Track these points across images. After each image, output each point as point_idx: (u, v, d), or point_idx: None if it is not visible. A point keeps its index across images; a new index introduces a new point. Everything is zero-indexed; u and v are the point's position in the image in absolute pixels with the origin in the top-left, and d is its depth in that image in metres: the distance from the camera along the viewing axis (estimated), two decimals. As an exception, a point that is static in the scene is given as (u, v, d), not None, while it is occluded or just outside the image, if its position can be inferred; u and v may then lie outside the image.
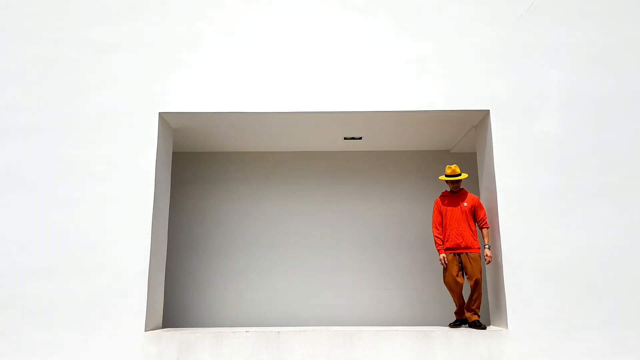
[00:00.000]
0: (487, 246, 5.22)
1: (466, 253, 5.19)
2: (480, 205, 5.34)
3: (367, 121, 5.74)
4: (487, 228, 5.30)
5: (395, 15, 5.55)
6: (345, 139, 6.72)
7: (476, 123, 5.77)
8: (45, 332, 4.87)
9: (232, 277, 6.97)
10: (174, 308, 6.89)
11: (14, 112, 5.29)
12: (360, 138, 6.69)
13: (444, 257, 5.23)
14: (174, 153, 7.19)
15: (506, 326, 4.93)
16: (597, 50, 5.39)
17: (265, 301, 6.89)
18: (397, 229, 7.14)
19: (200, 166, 7.32)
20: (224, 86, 5.40)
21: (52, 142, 5.24)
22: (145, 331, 4.88)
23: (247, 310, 6.84)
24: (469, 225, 5.25)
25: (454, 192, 5.46)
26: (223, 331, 4.97)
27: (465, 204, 5.32)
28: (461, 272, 5.24)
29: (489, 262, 5.20)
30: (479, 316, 5.21)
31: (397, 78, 5.42)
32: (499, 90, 5.34)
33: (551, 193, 5.12)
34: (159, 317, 5.35)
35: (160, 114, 5.34)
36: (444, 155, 7.33)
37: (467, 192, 5.42)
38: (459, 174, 5.40)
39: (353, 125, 5.95)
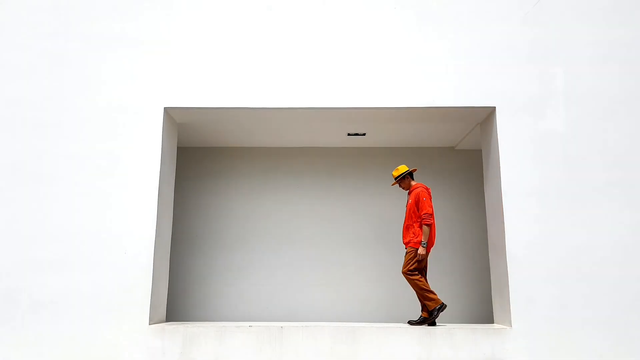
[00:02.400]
0: (421, 243, 5.13)
1: (405, 248, 5.30)
2: (420, 201, 5.19)
3: (371, 117, 5.73)
4: (425, 224, 5.12)
5: (401, 10, 5.53)
6: (349, 135, 6.71)
7: (482, 120, 5.75)
8: (50, 325, 4.90)
9: (236, 272, 6.99)
10: (178, 302, 6.91)
11: (20, 106, 5.30)
12: (364, 134, 6.68)
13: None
14: (178, 148, 7.20)
15: (510, 324, 4.92)
16: (604, 48, 5.35)
17: (268, 296, 6.90)
18: (400, 225, 7.12)
19: (204, 161, 7.33)
20: (228, 81, 5.40)
21: (58, 136, 5.25)
22: (149, 325, 4.90)
23: (251, 305, 6.85)
24: (411, 221, 5.26)
25: (407, 191, 5.52)
26: (226, 326, 4.99)
27: (410, 200, 5.35)
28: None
29: (419, 259, 5.12)
30: (428, 312, 5.13)
31: (402, 74, 5.40)
32: (505, 87, 5.31)
33: (557, 190, 5.10)
34: (162, 311, 5.37)
35: (165, 108, 5.35)
36: (448, 152, 7.31)
37: (416, 188, 5.34)
38: (396, 178, 5.43)
39: (357, 121, 5.94)
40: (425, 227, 5.12)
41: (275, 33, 5.52)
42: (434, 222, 5.23)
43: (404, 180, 5.46)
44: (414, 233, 5.23)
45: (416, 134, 6.71)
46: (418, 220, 5.22)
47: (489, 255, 5.60)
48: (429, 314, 5.14)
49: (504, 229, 5.08)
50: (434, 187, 7.19)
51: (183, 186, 7.22)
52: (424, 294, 5.14)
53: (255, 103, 5.37)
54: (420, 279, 5.16)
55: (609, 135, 5.18)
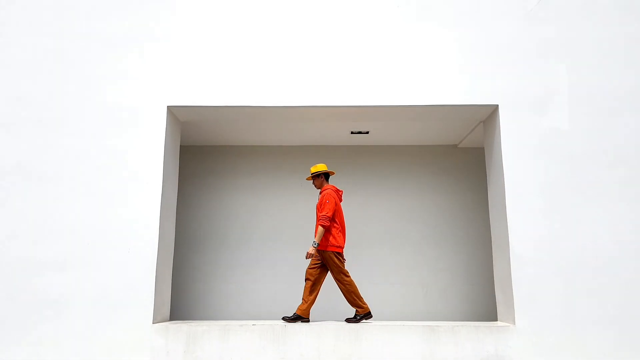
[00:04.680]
0: (313, 243, 5.12)
1: (318, 251, 5.21)
2: (324, 203, 5.19)
3: (374, 115, 5.72)
4: (321, 226, 5.09)
5: (403, 9, 5.52)
6: (352, 133, 6.71)
7: (484, 118, 5.73)
8: (54, 324, 4.92)
9: (239, 270, 7.00)
10: (182, 301, 6.93)
11: (24, 105, 5.32)
12: (367, 132, 6.68)
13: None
14: (181, 146, 7.22)
15: (513, 322, 4.92)
16: (607, 46, 5.33)
17: (272, 295, 6.91)
18: (403, 223, 7.13)
19: (207, 160, 7.34)
20: (231, 80, 5.40)
21: (61, 135, 5.26)
22: (152, 324, 4.92)
23: (254, 304, 6.87)
24: (317, 222, 5.27)
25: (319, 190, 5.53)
26: (230, 324, 5.00)
27: (317, 201, 5.35)
28: (318, 265, 5.21)
29: (306, 257, 5.11)
30: (361, 309, 5.14)
31: (404, 72, 5.39)
32: (508, 85, 5.30)
33: (559, 188, 5.09)
34: (166, 310, 5.39)
35: (168, 107, 5.35)
36: (451, 150, 7.31)
37: (325, 189, 5.32)
38: (312, 174, 5.46)
39: (360, 119, 5.94)
40: (320, 228, 5.10)
41: (278, 31, 5.51)
42: (340, 224, 5.23)
43: (317, 178, 5.47)
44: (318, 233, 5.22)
45: (419, 132, 6.70)
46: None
47: (493, 252, 5.59)
48: (296, 317, 5.11)
49: (507, 226, 5.07)
50: (436, 185, 7.20)
51: (186, 185, 7.23)
52: (307, 291, 5.15)
53: (258, 101, 5.37)
54: (350, 282, 5.16)
55: (612, 133, 5.17)
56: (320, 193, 5.40)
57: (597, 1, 5.43)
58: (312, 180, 5.66)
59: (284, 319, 5.17)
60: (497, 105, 5.30)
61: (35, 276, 5.00)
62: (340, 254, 5.20)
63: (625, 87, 5.24)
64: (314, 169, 5.48)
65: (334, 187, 5.38)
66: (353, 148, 7.32)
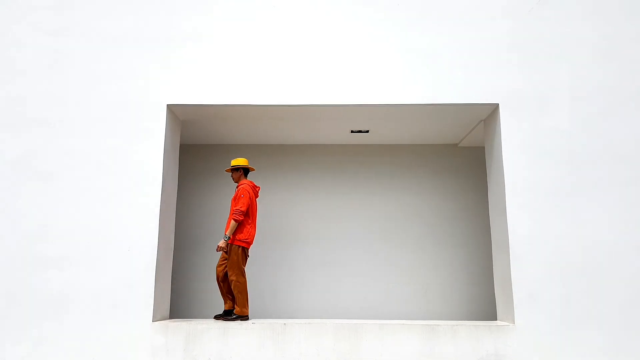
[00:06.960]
0: (224, 236, 5.24)
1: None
2: (238, 197, 5.29)
3: (375, 114, 5.72)
4: (234, 219, 5.21)
5: (404, 7, 5.51)
6: (352, 132, 6.71)
7: (485, 117, 5.73)
8: (54, 322, 4.92)
9: (239, 269, 7.00)
10: (181, 299, 6.94)
11: (24, 104, 5.32)
12: (368, 131, 6.67)
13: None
14: (181, 145, 7.22)
15: (513, 321, 4.92)
16: (608, 45, 5.33)
17: (271, 293, 6.92)
18: (403, 222, 7.13)
19: (207, 158, 7.34)
20: (231, 78, 5.40)
21: (61, 134, 5.26)
22: (152, 322, 4.92)
23: (254, 302, 6.87)
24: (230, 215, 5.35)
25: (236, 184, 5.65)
26: (229, 323, 5.00)
27: (233, 195, 5.42)
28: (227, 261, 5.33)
29: (217, 250, 5.25)
30: (234, 310, 5.26)
31: (405, 71, 5.39)
32: (508, 83, 5.30)
33: (560, 188, 5.09)
34: (166, 308, 5.39)
35: (168, 106, 5.35)
36: (451, 149, 7.30)
37: (242, 184, 5.42)
38: (231, 167, 5.55)
39: (360, 118, 5.93)
40: (232, 222, 5.20)
41: (279, 30, 5.51)
42: (252, 220, 5.34)
43: (236, 172, 5.56)
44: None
45: (419, 131, 6.70)
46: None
47: (492, 252, 5.59)
48: (229, 314, 5.25)
49: (507, 225, 5.07)
50: (436, 185, 7.19)
51: (186, 183, 7.23)
52: (237, 294, 5.23)
53: (258, 100, 5.37)
54: (243, 284, 5.24)
55: (612, 132, 5.16)
56: (237, 187, 5.47)
57: (597, 1, 5.43)
58: (230, 173, 5.67)
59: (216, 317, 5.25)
60: (498, 105, 5.30)
61: (36, 274, 5.00)
62: (246, 249, 5.30)
63: (625, 86, 5.24)
64: (234, 162, 5.55)
65: (251, 182, 5.49)
66: (353, 147, 7.32)
